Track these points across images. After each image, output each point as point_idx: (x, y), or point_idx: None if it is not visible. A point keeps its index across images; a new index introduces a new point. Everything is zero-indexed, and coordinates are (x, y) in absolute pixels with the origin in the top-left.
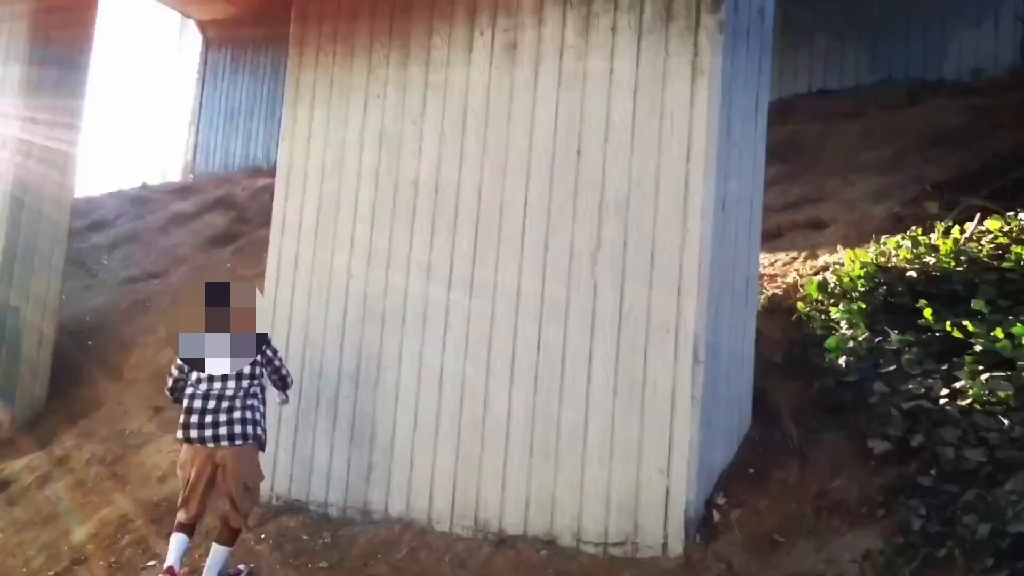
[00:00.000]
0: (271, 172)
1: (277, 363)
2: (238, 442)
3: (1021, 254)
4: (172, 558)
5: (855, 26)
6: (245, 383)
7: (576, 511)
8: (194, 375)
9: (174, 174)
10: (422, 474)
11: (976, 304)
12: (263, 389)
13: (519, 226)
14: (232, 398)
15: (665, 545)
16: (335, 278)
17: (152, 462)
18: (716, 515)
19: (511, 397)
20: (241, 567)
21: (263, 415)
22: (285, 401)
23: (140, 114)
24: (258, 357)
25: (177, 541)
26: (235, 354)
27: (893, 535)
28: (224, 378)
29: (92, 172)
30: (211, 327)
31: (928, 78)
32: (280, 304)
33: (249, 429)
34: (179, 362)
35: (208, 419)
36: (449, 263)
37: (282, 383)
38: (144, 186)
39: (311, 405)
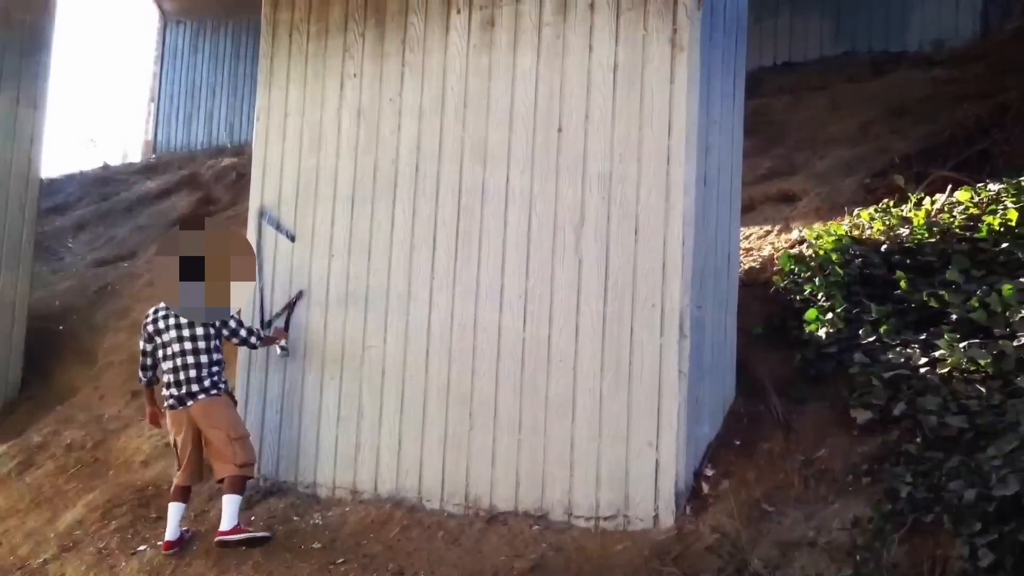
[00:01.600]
0: (235, 151)
1: (244, 334)
2: (201, 397)
3: (992, 224)
4: (169, 531)
5: None
6: (202, 343)
7: (567, 486)
8: (161, 342)
9: (135, 154)
10: (411, 452)
11: (950, 274)
12: (221, 350)
13: (501, 203)
14: (195, 363)
15: (656, 517)
16: (316, 258)
17: (134, 446)
18: (705, 487)
19: (498, 373)
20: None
21: (220, 374)
22: (284, 354)
23: (99, 94)
24: (217, 324)
25: (173, 510)
26: (210, 303)
27: (880, 502)
28: (182, 341)
29: (52, 153)
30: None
31: (891, 49)
32: (264, 289)
33: (209, 382)
34: (146, 330)
35: (180, 379)
36: (432, 240)
37: (252, 344)
38: (106, 167)
39: (295, 386)
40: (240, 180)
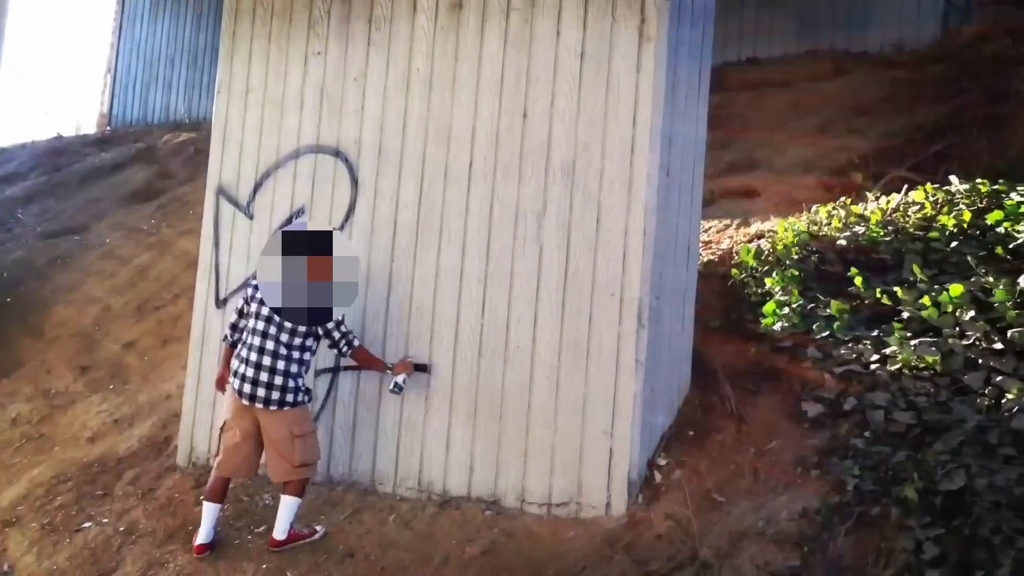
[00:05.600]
0: (194, 126)
1: (336, 336)
2: (273, 407)
3: (946, 225)
4: (202, 532)
5: None
6: (297, 340)
7: (520, 472)
8: (253, 312)
9: (89, 126)
10: (365, 436)
11: (904, 273)
12: (314, 353)
13: (464, 188)
14: (276, 354)
15: (609, 505)
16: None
17: (81, 422)
18: (658, 476)
19: (455, 358)
20: (318, 528)
21: (303, 377)
22: (397, 391)
23: (54, 63)
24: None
25: (207, 511)
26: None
27: (828, 494)
28: (279, 327)
29: (4, 122)
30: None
31: (852, 50)
32: (220, 267)
33: (288, 397)
34: (247, 292)
35: (246, 369)
36: (393, 222)
37: (343, 351)
38: (59, 137)
39: None
40: (198, 155)
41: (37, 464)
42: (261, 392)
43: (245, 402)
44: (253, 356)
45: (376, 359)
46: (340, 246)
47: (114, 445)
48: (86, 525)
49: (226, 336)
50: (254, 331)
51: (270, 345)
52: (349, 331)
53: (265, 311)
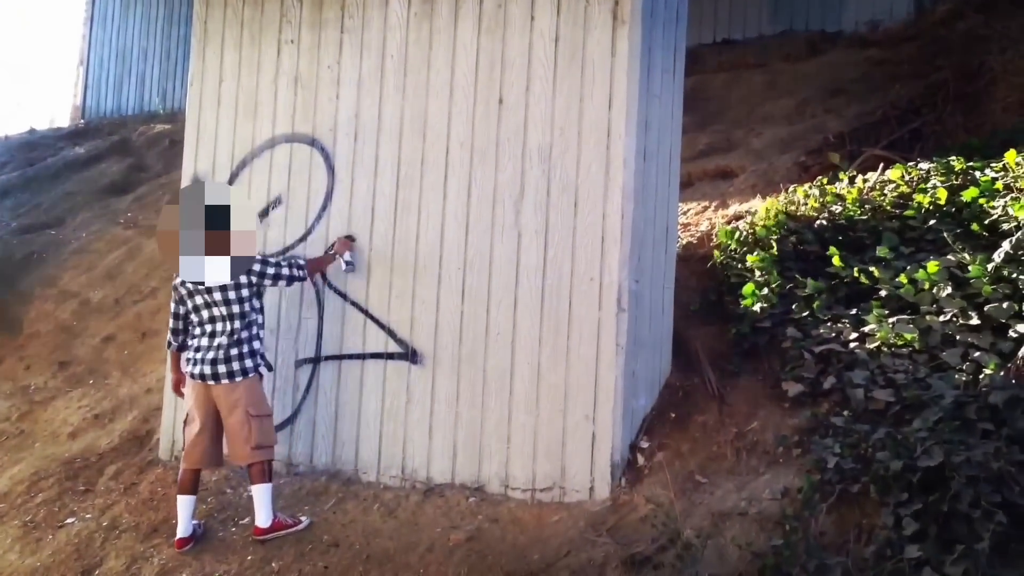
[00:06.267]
0: (168, 118)
1: (287, 272)
2: (225, 380)
3: (921, 203)
4: (180, 527)
5: None
6: (236, 308)
7: (504, 458)
8: (191, 307)
9: (63, 119)
10: (347, 425)
11: (881, 251)
12: (259, 308)
13: (441, 174)
14: (226, 337)
15: (592, 489)
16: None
17: (61, 418)
18: (640, 458)
19: (436, 346)
20: (303, 518)
21: (259, 340)
22: (350, 268)
23: (26, 56)
24: (244, 279)
25: (183, 504)
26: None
27: (809, 473)
28: (211, 307)
29: None
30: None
31: (827, 29)
32: None
33: (238, 365)
34: (178, 291)
35: (200, 354)
36: (370, 211)
37: (301, 277)
38: (32, 131)
39: None
40: (173, 147)
41: (18, 461)
42: (219, 368)
43: (210, 382)
44: (204, 341)
45: (322, 257)
46: (238, 220)
47: (95, 440)
48: (69, 521)
49: (170, 343)
50: (199, 322)
51: (220, 326)
52: (285, 262)
53: (198, 300)
